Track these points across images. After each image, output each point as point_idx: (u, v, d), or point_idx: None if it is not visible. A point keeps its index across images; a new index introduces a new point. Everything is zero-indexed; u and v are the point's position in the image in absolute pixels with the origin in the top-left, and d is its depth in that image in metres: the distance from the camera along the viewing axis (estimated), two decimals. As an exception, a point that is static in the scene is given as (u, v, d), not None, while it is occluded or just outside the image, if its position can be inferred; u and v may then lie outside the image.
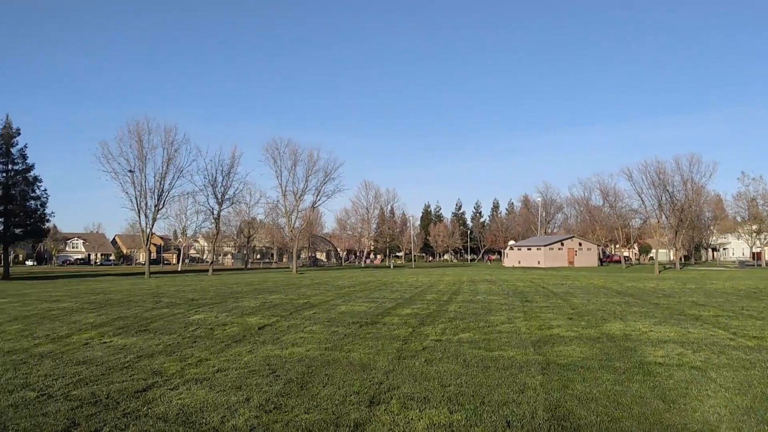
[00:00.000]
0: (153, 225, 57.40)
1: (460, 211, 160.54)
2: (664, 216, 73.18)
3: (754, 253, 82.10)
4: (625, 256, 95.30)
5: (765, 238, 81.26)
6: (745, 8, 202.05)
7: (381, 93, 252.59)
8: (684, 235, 76.36)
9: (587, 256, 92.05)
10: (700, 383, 7.54)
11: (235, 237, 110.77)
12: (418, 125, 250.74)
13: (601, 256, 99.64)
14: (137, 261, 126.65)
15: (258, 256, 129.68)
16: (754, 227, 79.44)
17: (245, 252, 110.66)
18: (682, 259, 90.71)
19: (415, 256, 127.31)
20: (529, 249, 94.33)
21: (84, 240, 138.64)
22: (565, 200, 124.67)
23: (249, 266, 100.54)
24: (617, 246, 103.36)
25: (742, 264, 77.22)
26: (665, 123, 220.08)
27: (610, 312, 16.25)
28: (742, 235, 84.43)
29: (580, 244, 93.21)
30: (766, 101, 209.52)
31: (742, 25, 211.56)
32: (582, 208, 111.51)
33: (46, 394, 7.31)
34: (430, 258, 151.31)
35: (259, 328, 13.23)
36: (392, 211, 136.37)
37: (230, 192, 64.65)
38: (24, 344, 11.41)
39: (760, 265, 72.80)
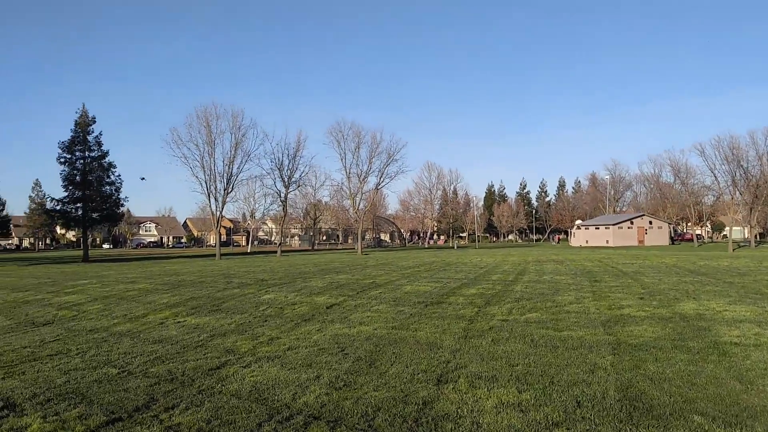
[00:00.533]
0: (222, 208, 58.95)
1: (525, 191, 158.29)
2: (738, 192, 70.37)
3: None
4: (697, 235, 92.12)
5: None
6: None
7: (444, 72, 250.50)
8: (759, 212, 73.27)
9: (658, 234, 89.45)
10: (779, 364, 7.28)
11: (302, 219, 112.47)
12: (482, 104, 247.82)
13: (673, 235, 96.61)
14: (208, 243, 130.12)
15: (324, 238, 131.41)
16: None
17: (312, 233, 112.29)
18: (758, 236, 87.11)
19: (478, 236, 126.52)
20: (597, 228, 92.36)
21: (156, 223, 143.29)
22: (635, 177, 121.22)
23: (315, 247, 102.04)
24: (689, 224, 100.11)
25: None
26: (739, 96, 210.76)
27: (682, 291, 15.80)
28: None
29: (650, 223, 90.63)
30: None
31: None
32: (652, 186, 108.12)
33: (126, 370, 7.66)
34: (494, 238, 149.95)
35: (327, 308, 13.46)
36: (455, 192, 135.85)
37: (296, 175, 65.81)
38: (104, 323, 11.96)
39: None
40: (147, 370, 7.67)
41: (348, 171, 67.59)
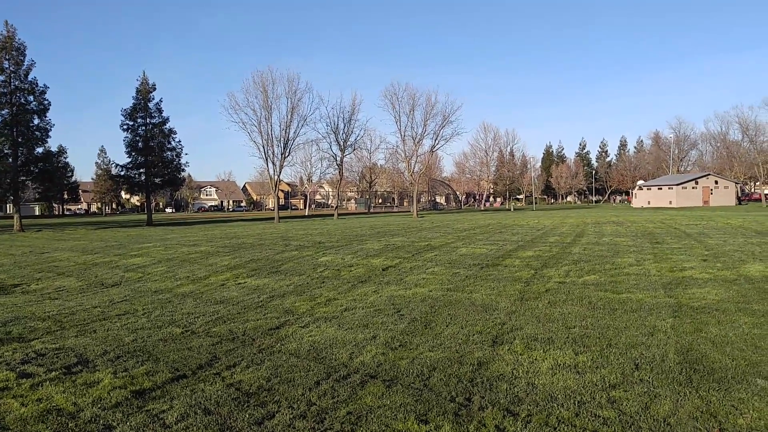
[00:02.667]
0: (280, 172, 59.68)
1: (584, 151, 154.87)
2: (812, 149, 67.09)
3: None
4: (766, 194, 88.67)
5: None
6: None
7: (499, 30, 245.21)
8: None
9: (724, 194, 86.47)
10: None
11: (358, 182, 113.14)
12: (539, 62, 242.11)
13: (740, 195, 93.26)
14: (266, 207, 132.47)
15: (380, 201, 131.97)
16: None
17: (367, 196, 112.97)
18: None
19: (536, 198, 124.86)
20: (660, 188, 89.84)
21: (216, 188, 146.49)
22: (700, 136, 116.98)
23: (371, 210, 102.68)
24: (757, 183, 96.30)
25: None
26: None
27: (748, 253, 15.28)
28: None
29: (716, 182, 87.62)
30: None
31: None
32: (719, 144, 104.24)
33: (189, 330, 7.93)
34: (552, 200, 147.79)
35: (383, 270, 13.57)
36: (512, 153, 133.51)
37: (352, 138, 66.05)
38: (168, 285, 12.37)
39: None
40: (209, 329, 7.93)
41: (403, 134, 67.30)
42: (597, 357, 6.10)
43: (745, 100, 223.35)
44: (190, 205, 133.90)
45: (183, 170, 61.32)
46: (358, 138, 68.82)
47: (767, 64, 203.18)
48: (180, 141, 58.00)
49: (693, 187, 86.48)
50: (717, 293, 9.52)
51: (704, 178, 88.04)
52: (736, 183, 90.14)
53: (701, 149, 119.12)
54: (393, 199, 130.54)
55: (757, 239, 19.76)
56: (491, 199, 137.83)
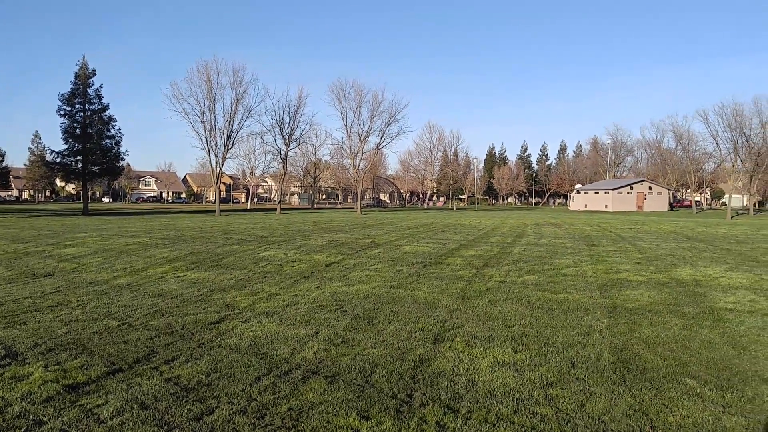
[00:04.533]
0: (223, 164, 58.76)
1: (526, 154, 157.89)
2: (739, 160, 70.05)
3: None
4: (696, 201, 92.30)
5: None
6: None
7: (446, 30, 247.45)
8: (759, 180, 73.10)
9: (657, 200, 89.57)
10: (772, 331, 7.37)
11: (302, 177, 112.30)
12: (485, 64, 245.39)
13: (672, 201, 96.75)
14: (207, 199, 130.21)
15: (323, 197, 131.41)
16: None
17: (311, 192, 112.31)
18: (756, 204, 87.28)
19: (478, 198, 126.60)
20: (597, 192, 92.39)
21: (156, 178, 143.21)
22: (636, 143, 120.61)
23: (315, 206, 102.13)
24: (688, 190, 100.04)
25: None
26: (744, 63, 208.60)
27: (679, 257, 15.88)
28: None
29: (650, 188, 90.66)
30: None
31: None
32: (653, 151, 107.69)
33: (126, 323, 7.74)
34: (494, 201, 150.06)
35: (326, 266, 13.54)
36: (456, 153, 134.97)
37: (297, 133, 65.56)
38: (104, 276, 12.04)
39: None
40: (147, 322, 7.76)
41: (349, 130, 67.14)
42: (535, 355, 6.23)
43: (679, 110, 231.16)
44: (129, 195, 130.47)
45: (122, 159, 59.54)
46: (304, 132, 68.31)
47: (701, 76, 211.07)
48: (120, 129, 56.33)
49: (628, 192, 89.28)
50: (650, 295, 9.85)
51: (639, 184, 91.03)
52: (668, 189, 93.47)
53: (637, 156, 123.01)
54: (337, 195, 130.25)
55: (688, 244, 20.54)
56: (435, 198, 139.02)
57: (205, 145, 56.28)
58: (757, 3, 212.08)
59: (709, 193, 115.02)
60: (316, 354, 6.25)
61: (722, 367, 5.84)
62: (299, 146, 73.00)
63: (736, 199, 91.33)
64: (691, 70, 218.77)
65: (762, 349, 6.49)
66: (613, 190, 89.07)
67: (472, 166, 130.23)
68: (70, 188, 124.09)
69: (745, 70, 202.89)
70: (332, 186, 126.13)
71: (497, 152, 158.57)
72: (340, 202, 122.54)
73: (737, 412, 4.74)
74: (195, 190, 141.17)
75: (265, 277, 11.78)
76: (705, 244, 20.49)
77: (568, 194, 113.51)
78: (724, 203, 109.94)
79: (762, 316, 8.26)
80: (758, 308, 8.80)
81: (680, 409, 4.77)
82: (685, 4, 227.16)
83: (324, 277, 11.87)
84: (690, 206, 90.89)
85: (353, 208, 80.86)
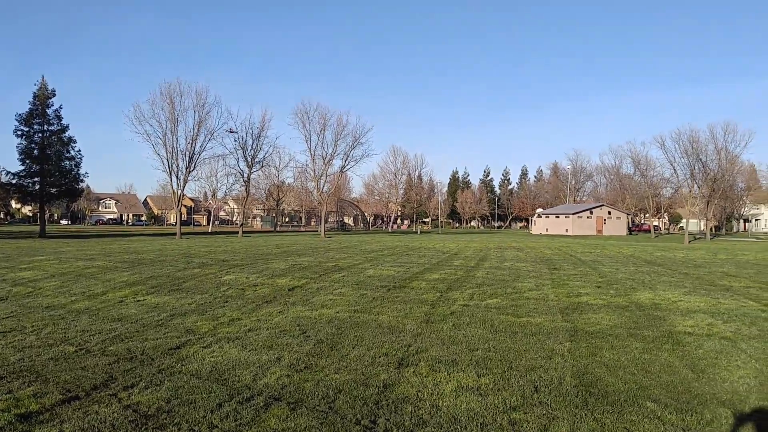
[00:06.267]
0: (184, 187, 57.93)
1: (488, 178, 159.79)
2: (696, 185, 71.84)
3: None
4: (654, 226, 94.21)
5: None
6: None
7: (411, 57, 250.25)
8: (716, 205, 75.08)
9: (616, 224, 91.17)
10: (729, 354, 7.52)
11: (265, 200, 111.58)
12: (449, 90, 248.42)
13: (631, 225, 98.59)
14: (168, 222, 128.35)
15: (286, 220, 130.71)
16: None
17: (274, 215, 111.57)
18: (713, 229, 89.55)
19: (441, 222, 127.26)
20: (557, 217, 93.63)
21: (116, 200, 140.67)
22: (596, 168, 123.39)
23: (278, 229, 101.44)
24: (647, 215, 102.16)
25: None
26: (700, 91, 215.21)
27: (639, 281, 16.15)
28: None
29: (609, 213, 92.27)
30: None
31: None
32: (612, 177, 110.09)
33: (84, 348, 7.54)
34: (457, 224, 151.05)
35: (289, 290, 13.43)
36: (420, 177, 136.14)
37: (260, 155, 65.08)
38: (62, 300, 11.73)
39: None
40: (105, 348, 7.56)
41: (313, 153, 67.05)
42: (499, 379, 6.24)
43: (637, 137, 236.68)
44: (88, 218, 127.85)
45: (82, 181, 58.47)
46: (267, 155, 68.04)
47: (658, 103, 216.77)
48: (80, 150, 55.35)
49: (588, 217, 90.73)
50: (610, 319, 9.98)
51: (598, 209, 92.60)
52: (627, 214, 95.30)
53: (596, 181, 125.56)
54: (300, 218, 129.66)
55: (647, 268, 20.91)
56: (399, 221, 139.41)
57: (167, 167, 55.50)
58: (713, 33, 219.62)
59: (667, 218, 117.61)
60: (279, 380, 6.17)
61: (682, 390, 5.92)
62: (262, 169, 72.58)
63: (693, 224, 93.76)
64: (647, 97, 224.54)
65: (720, 372, 6.60)
66: (574, 214, 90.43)
67: (436, 190, 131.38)
68: (27, 210, 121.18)
69: (701, 97, 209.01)
70: (296, 209, 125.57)
71: (461, 176, 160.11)
72: (304, 225, 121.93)
73: (697, 434, 4.80)
74: (156, 212, 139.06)
75: (226, 302, 11.62)
76: (663, 268, 20.89)
77: (530, 218, 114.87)
78: (681, 228, 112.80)
79: (719, 339, 8.42)
80: (716, 332, 8.98)
81: (641, 433, 4.81)
82: (639, 32, 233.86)
83: (287, 301, 11.76)
84: (648, 231, 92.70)
85: (317, 231, 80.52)
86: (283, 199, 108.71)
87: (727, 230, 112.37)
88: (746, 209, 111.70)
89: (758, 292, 13.93)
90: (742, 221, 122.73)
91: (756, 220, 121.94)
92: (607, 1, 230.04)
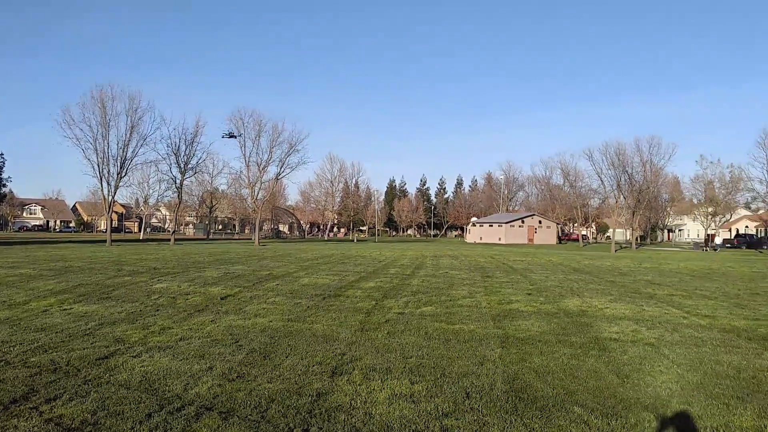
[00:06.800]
0: (115, 193, 56.32)
1: (425, 187, 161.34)
2: (622, 196, 74.59)
3: (708, 235, 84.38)
4: (583, 235, 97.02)
5: (719, 221, 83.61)
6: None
7: (349, 66, 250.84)
8: (641, 215, 78.03)
9: (547, 233, 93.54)
10: (653, 359, 7.81)
11: (197, 207, 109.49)
12: (386, 100, 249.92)
13: (560, 234, 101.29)
14: (98, 229, 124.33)
15: (220, 227, 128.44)
16: (710, 210, 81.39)
17: (207, 222, 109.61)
18: (639, 239, 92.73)
19: (378, 230, 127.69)
20: (491, 226, 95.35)
21: (42, 206, 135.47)
22: (527, 179, 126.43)
23: (211, 237, 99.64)
24: (576, 225, 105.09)
25: (697, 245, 79.28)
26: (627, 104, 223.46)
27: (567, 288, 16.62)
28: (698, 217, 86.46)
29: (540, 222, 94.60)
30: (729, 87, 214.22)
31: (710, 13, 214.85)
32: (543, 187, 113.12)
33: (2, 360, 7.23)
34: (394, 233, 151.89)
35: (222, 298, 13.23)
36: (357, 185, 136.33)
37: (193, 161, 63.71)
38: (-20, 310, 11.23)
39: (713, 248, 74.65)
40: (27, 359, 7.27)
41: (247, 159, 66.17)
42: (432, 386, 6.31)
43: (567, 148, 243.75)
44: (11, 224, 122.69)
45: (4, 185, 56.26)
46: (200, 161, 66.71)
47: (586, 117, 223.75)
48: (2, 154, 53.30)
49: (520, 226, 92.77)
50: (540, 325, 10.23)
51: (530, 218, 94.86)
52: (557, 223, 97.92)
53: (528, 191, 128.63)
54: (234, 225, 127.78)
55: (574, 276, 21.53)
56: (335, 229, 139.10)
57: (97, 172, 53.78)
58: (640, 49, 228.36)
59: (594, 228, 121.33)
60: (210, 390, 6.07)
61: (607, 395, 6.11)
62: (195, 175, 71.28)
63: (619, 234, 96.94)
64: (577, 111, 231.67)
65: (643, 377, 6.85)
66: (506, 223, 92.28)
67: (373, 198, 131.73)
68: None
69: (627, 111, 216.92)
70: (229, 216, 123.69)
71: (398, 185, 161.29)
72: (238, 233, 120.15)
73: (620, 437, 4.97)
74: (85, 219, 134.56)
75: (157, 310, 11.35)
76: (591, 276, 21.56)
77: (465, 227, 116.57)
78: (608, 237, 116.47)
79: (643, 345, 8.74)
80: (640, 338, 9.31)
81: (568, 437, 4.95)
82: (569, 48, 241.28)
83: (219, 310, 11.58)
84: (577, 240, 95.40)
85: (251, 238, 79.47)
86: (217, 206, 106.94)
87: (651, 240, 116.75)
88: (670, 220, 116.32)
89: (680, 300, 14.52)
90: (666, 231, 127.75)
91: (679, 230, 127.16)
92: (540, 17, 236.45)
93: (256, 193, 69.06)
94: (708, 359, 7.86)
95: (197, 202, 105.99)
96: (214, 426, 5.02)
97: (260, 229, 72.04)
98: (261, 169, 66.66)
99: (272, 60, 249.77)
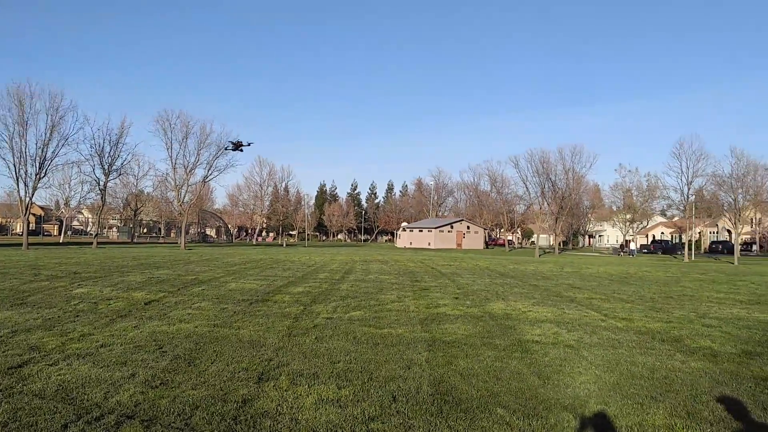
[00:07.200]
0: (33, 194, 54.00)
1: (356, 192, 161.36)
2: (546, 203, 76.74)
3: (626, 241, 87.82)
4: (509, 240, 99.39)
5: (637, 227, 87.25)
6: (637, 11, 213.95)
7: (279, 68, 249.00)
8: (563, 221, 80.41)
9: (474, 239, 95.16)
10: (572, 361, 8.07)
11: (121, 210, 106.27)
12: (316, 102, 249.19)
13: (487, 240, 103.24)
14: (14, 231, 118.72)
15: (145, 231, 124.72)
16: (628, 216, 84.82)
17: (131, 225, 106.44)
18: (561, 244, 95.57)
19: (308, 235, 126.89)
20: (421, 231, 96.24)
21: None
22: (456, 185, 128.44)
23: (135, 240, 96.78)
24: (502, 230, 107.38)
25: (616, 251, 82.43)
26: (551, 114, 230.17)
27: (493, 292, 16.97)
28: (617, 223, 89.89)
29: (468, 228, 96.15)
30: (647, 99, 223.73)
31: (628, 28, 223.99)
32: (471, 193, 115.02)
33: None
34: (324, 237, 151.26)
35: (146, 304, 12.89)
36: (286, 189, 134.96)
37: (118, 163, 61.84)
38: None
39: (629, 253, 77.72)
40: (-67, 370, 6.91)
41: (174, 162, 64.75)
42: (359, 390, 6.34)
43: (495, 156, 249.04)
44: None
45: None
46: (125, 163, 64.83)
47: (511, 126, 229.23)
48: None
49: (449, 231, 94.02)
50: (466, 329, 10.41)
51: (458, 223, 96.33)
52: (485, 229, 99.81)
53: (457, 197, 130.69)
54: (160, 229, 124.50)
55: (500, 280, 22.01)
56: (264, 233, 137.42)
57: (13, 173, 51.49)
58: (561, 64, 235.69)
59: (520, 233, 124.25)
60: (132, 397, 5.92)
61: (529, 396, 6.29)
62: (120, 177, 69.21)
63: (543, 239, 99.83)
64: (503, 120, 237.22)
65: (563, 378, 7.07)
66: (436, 228, 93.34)
67: (303, 202, 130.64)
68: None
69: (550, 121, 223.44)
70: (155, 219, 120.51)
71: (328, 189, 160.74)
72: (163, 237, 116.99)
73: (540, 437, 5.12)
74: (0, 221, 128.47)
75: (77, 316, 10.96)
76: (516, 280, 22.08)
77: (395, 232, 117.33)
78: (533, 242, 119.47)
79: (564, 347, 9.02)
80: (561, 340, 9.60)
81: (491, 437, 5.07)
82: (500, 60, 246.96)
83: (143, 315, 11.28)
84: (503, 245, 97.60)
85: (177, 242, 77.66)
86: (142, 209, 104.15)
87: (573, 245, 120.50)
88: (591, 226, 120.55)
89: (599, 303, 15.05)
90: (587, 237, 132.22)
91: (599, 236, 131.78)
92: (469, 28, 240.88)
93: (182, 196, 67.72)
94: (624, 360, 8.18)
95: (121, 204, 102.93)
96: (136, 435, 4.90)
97: (186, 232, 70.59)
98: (188, 171, 65.41)
99: (203, 62, 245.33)
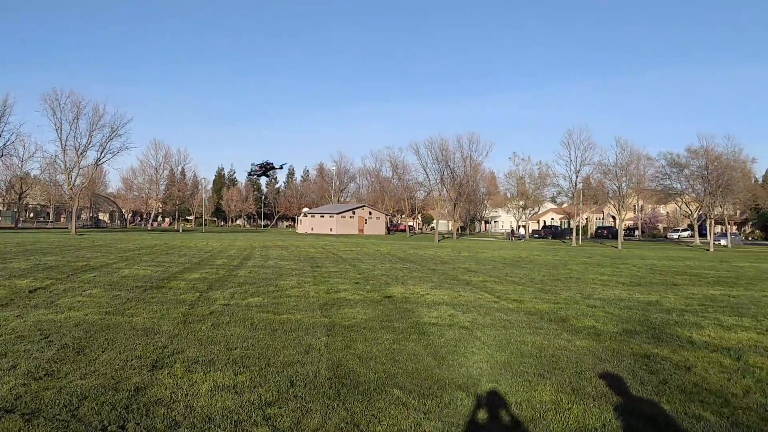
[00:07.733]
0: None
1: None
2: (445, 189, 78.50)
3: (518, 226, 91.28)
4: (409, 226, 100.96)
5: (529, 213, 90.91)
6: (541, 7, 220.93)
7: (176, 50, 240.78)
8: (461, 207, 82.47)
9: (376, 224, 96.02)
10: (467, 341, 8.32)
11: (5, 193, 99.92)
12: (215, 86, 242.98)
13: (389, 225, 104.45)
14: None
15: (31, 215, 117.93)
16: (521, 203, 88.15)
17: (16, 210, 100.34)
18: (459, 229, 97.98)
19: (206, 220, 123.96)
20: (322, 216, 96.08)
21: None
22: (358, 170, 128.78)
23: (20, 225, 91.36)
24: (403, 216, 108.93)
25: (508, 236, 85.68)
26: (451, 102, 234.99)
27: (393, 277, 17.22)
28: (511, 209, 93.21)
29: (370, 213, 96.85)
30: (538, 89, 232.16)
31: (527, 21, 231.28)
32: (373, 179, 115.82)
33: None
34: (222, 223, 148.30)
35: (30, 291, 12.22)
36: (183, 173, 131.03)
37: (0, 143, 58.10)
38: None
39: (518, 238, 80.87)
40: None
41: (64, 143, 61.42)
42: (256, 376, 6.29)
43: (396, 142, 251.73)
44: None
45: None
46: (8, 143, 60.93)
47: (413, 113, 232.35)
48: None
49: (351, 217, 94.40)
50: (365, 313, 10.52)
51: (360, 209, 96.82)
52: (386, 215, 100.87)
53: (359, 182, 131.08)
54: (48, 213, 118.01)
55: (400, 265, 22.35)
56: (160, 218, 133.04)
57: None
58: (466, 52, 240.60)
59: (420, 219, 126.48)
60: (13, 390, 5.61)
61: (425, 377, 6.43)
62: (2, 158, 65.01)
63: (443, 225, 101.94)
64: (404, 107, 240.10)
65: (458, 359, 7.28)
66: (338, 214, 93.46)
67: (200, 187, 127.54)
68: None
69: (450, 110, 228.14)
70: (42, 204, 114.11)
71: (227, 173, 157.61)
72: (52, 222, 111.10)
73: (436, 417, 5.25)
74: None
75: (-49, 307, 10.26)
76: (415, 265, 22.49)
77: (296, 217, 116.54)
78: (432, 228, 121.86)
79: (459, 329, 9.28)
80: (456, 322, 9.88)
81: (387, 419, 5.15)
82: (403, 48, 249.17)
83: (27, 304, 10.69)
84: (404, 230, 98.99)
85: (67, 228, 73.95)
86: (28, 192, 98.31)
87: (470, 231, 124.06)
88: (487, 212, 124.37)
89: (493, 286, 15.58)
90: (483, 222, 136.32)
91: (495, 221, 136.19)
92: (378, 16, 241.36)
93: (73, 179, 64.35)
94: (514, 340, 8.51)
95: (4, 187, 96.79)
96: (15, 429, 4.66)
97: (78, 217, 67.40)
98: (79, 153, 62.25)
99: (94, 39, 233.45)
